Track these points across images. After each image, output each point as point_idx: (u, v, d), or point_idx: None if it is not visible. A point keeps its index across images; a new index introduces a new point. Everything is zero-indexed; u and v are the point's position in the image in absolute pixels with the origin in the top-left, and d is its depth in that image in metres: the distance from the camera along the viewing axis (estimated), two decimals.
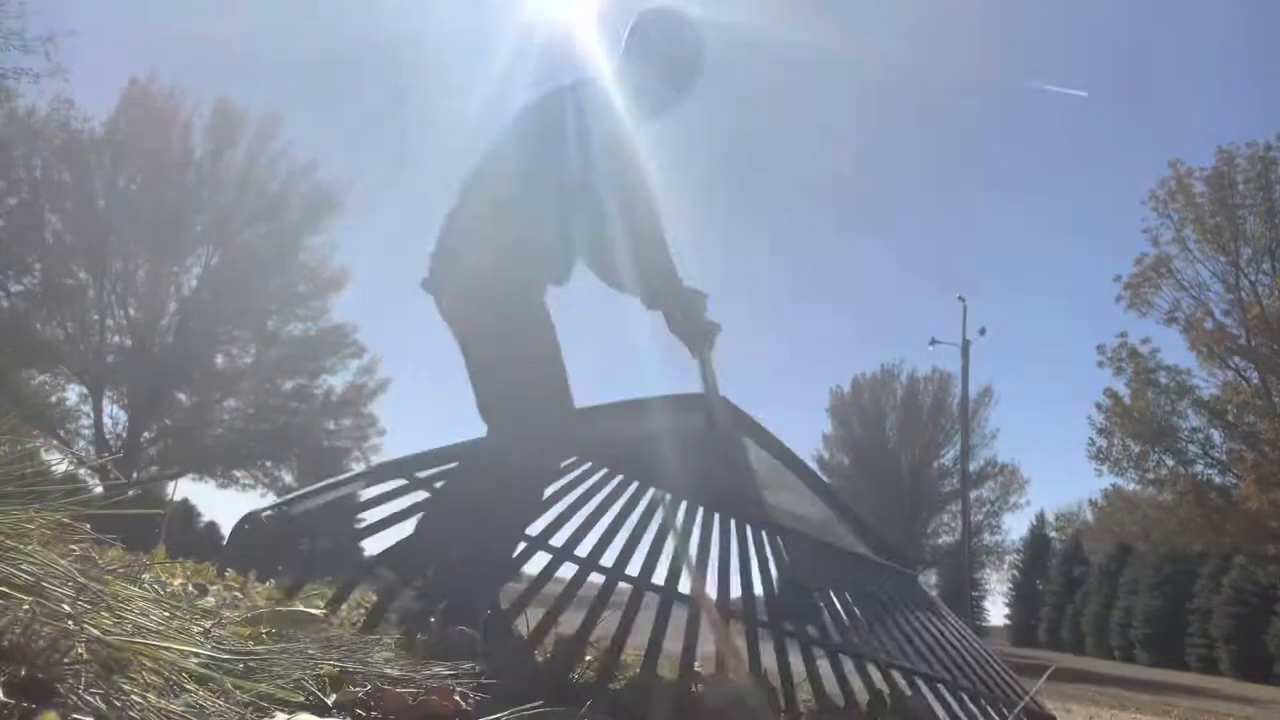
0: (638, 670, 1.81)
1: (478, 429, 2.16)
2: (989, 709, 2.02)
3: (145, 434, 19.87)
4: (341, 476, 2.30)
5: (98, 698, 0.76)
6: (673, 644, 1.83)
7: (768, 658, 1.90)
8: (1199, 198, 18.83)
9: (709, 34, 2.45)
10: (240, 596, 2.14)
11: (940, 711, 1.92)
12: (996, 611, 64.40)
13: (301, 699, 0.92)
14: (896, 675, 1.95)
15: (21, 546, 0.93)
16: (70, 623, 0.81)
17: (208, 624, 1.15)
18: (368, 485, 2.15)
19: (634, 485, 2.13)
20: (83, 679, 0.77)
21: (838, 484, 36.21)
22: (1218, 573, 35.78)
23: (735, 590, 2.00)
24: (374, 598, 1.93)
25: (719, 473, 2.18)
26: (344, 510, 2.15)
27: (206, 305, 19.65)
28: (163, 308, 19.46)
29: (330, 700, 0.95)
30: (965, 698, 2.01)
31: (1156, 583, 40.80)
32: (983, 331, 20.87)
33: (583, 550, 2.02)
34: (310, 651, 1.13)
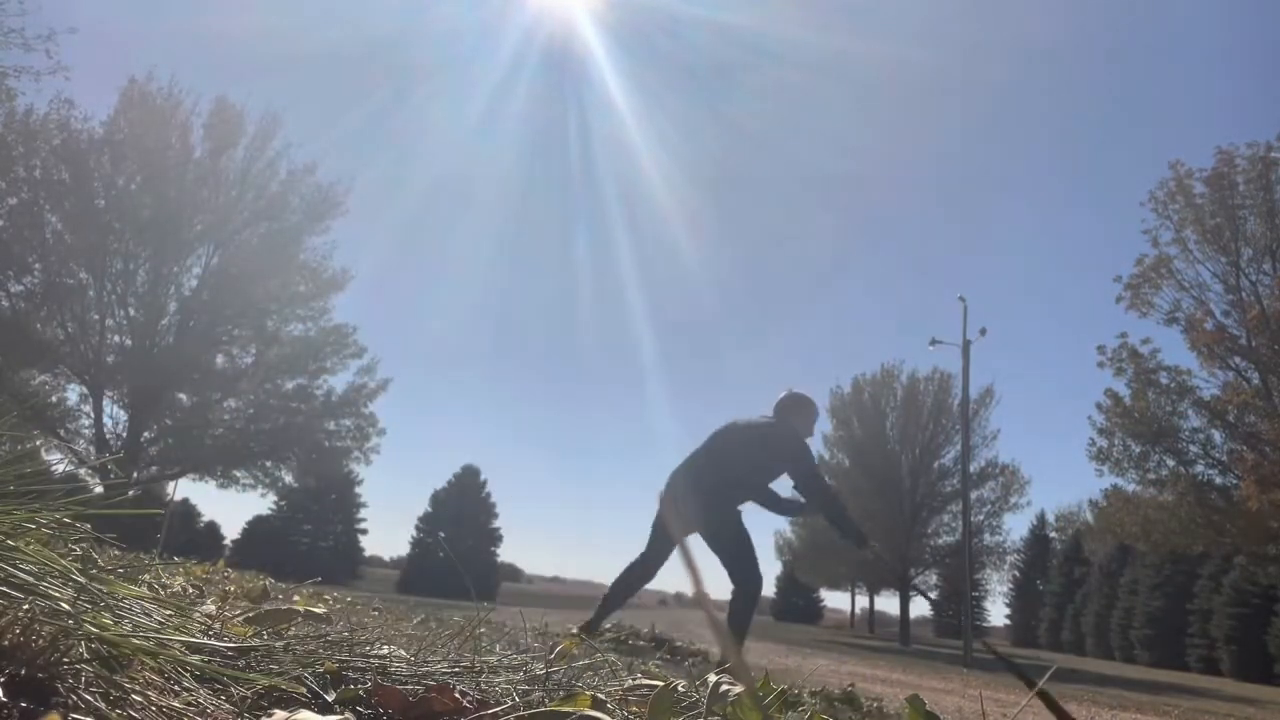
0: None
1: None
2: None
3: (145, 434, 19.86)
4: None
5: (98, 697, 0.76)
6: None
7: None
8: (1199, 198, 18.81)
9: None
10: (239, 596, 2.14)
11: None
12: (997, 612, 64.40)
13: (303, 693, 0.92)
14: None
15: (22, 546, 0.93)
16: (70, 622, 0.81)
17: (209, 622, 1.15)
18: None
19: None
20: (83, 679, 0.77)
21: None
22: (1218, 573, 35.77)
23: None
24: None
25: None
26: None
27: (206, 305, 19.63)
28: (163, 308, 19.43)
29: (330, 697, 0.95)
30: None
31: (1157, 583, 40.81)
32: (983, 332, 20.80)
33: None
34: (311, 648, 1.13)
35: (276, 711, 0.84)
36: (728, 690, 1.08)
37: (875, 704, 3.70)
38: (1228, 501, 18.22)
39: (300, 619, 1.60)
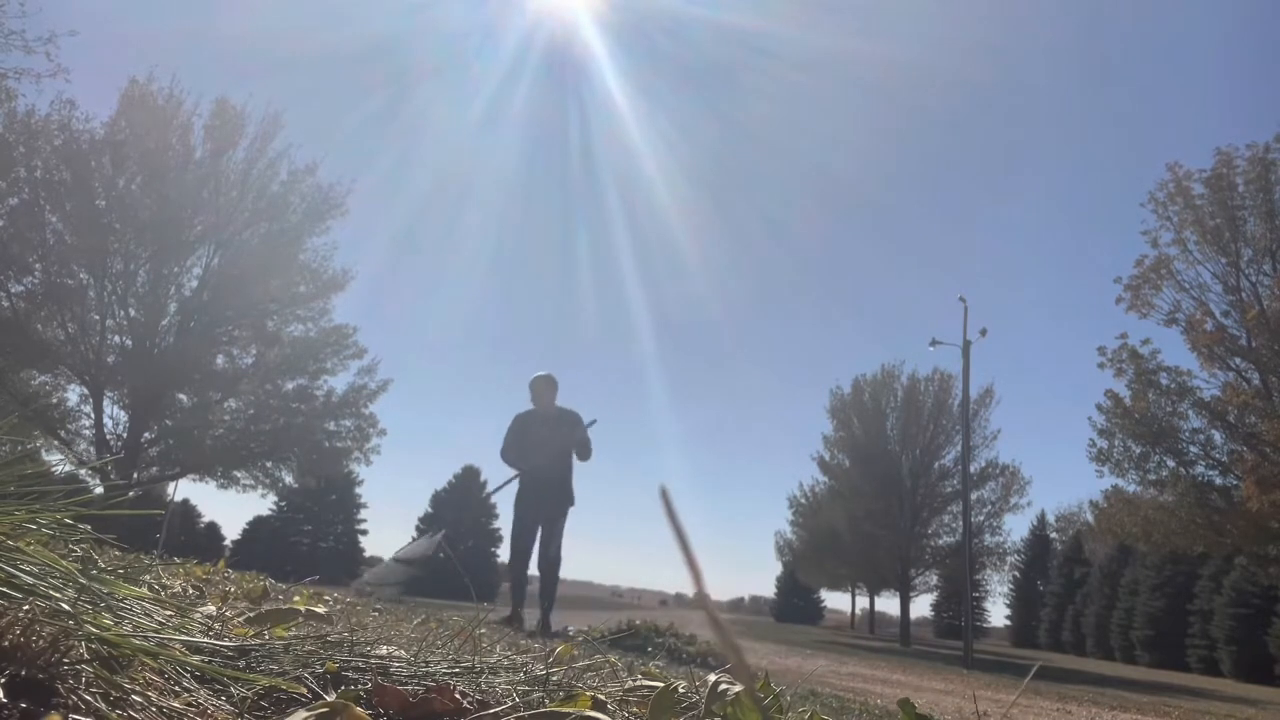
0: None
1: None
2: None
3: (146, 435, 19.85)
4: None
5: (98, 698, 0.76)
6: None
7: None
8: (1198, 199, 18.79)
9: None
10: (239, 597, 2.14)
11: None
12: (997, 612, 64.44)
13: (303, 693, 0.92)
14: None
15: (23, 547, 0.93)
16: (71, 623, 0.81)
17: (209, 622, 1.15)
18: None
19: None
20: (83, 679, 0.77)
21: (838, 484, 36.24)
22: (1219, 574, 35.78)
23: None
24: None
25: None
26: None
27: (206, 305, 19.62)
28: (163, 308, 19.41)
29: (331, 697, 0.95)
30: None
31: (1157, 584, 40.81)
32: (983, 332, 20.86)
33: None
34: (311, 648, 1.13)
35: (300, 710, 0.84)
36: (727, 690, 1.08)
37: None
38: (1228, 502, 18.20)
39: (300, 619, 1.60)
